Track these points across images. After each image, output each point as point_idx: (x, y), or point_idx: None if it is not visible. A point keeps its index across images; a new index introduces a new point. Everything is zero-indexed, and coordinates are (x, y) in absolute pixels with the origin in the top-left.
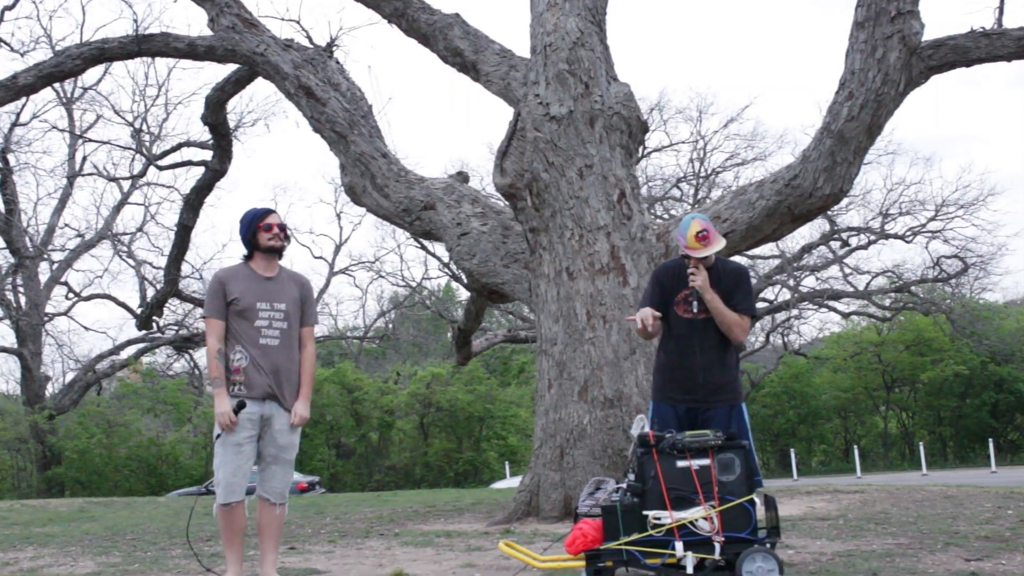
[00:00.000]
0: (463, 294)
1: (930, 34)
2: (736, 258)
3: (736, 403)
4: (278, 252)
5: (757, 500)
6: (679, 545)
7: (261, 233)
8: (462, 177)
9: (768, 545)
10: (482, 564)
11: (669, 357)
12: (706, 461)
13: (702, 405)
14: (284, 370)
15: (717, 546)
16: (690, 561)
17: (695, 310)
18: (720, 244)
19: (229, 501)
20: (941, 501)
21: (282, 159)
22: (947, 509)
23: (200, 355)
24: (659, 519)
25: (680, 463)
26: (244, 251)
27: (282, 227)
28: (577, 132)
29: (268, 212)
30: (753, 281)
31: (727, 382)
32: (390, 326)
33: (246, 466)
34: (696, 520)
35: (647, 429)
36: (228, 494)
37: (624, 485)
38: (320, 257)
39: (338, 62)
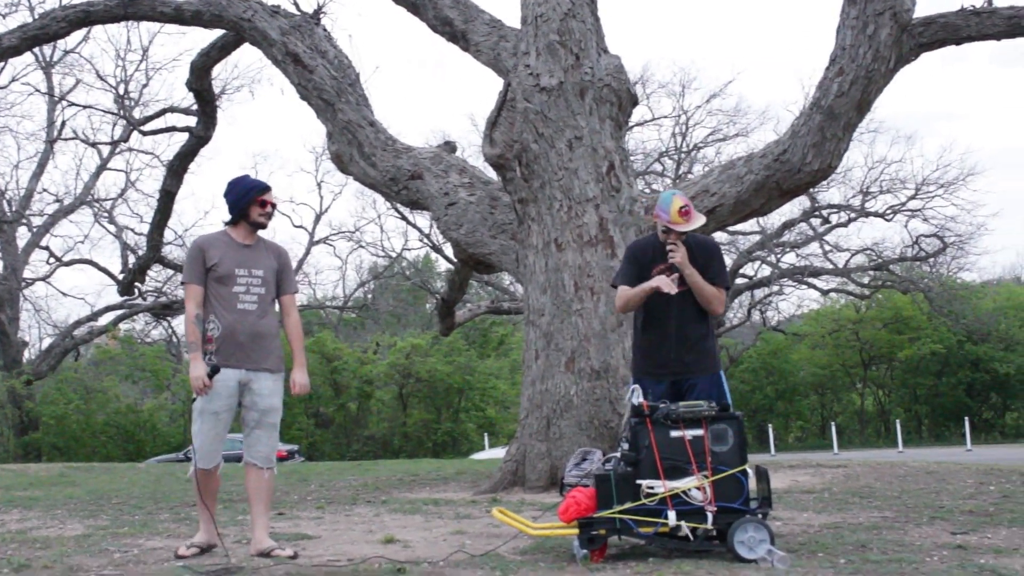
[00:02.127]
0: (443, 265)
1: (921, 11)
2: (718, 233)
3: (715, 371)
4: (262, 228)
5: (749, 471)
6: (672, 514)
7: (255, 207)
8: (449, 147)
9: (760, 515)
10: (472, 531)
11: (648, 333)
12: (699, 431)
13: (682, 377)
14: (262, 335)
15: (709, 516)
16: (684, 529)
17: (675, 285)
18: (701, 220)
19: (208, 466)
20: (923, 476)
21: (263, 127)
22: (930, 484)
23: (178, 323)
24: (652, 488)
25: (674, 433)
26: (228, 216)
27: (274, 206)
28: (567, 103)
29: (267, 189)
30: (734, 256)
31: (705, 353)
32: (369, 296)
33: (223, 433)
34: (689, 490)
35: (642, 399)
36: (207, 460)
37: (614, 455)
38: (300, 226)
39: (325, 29)
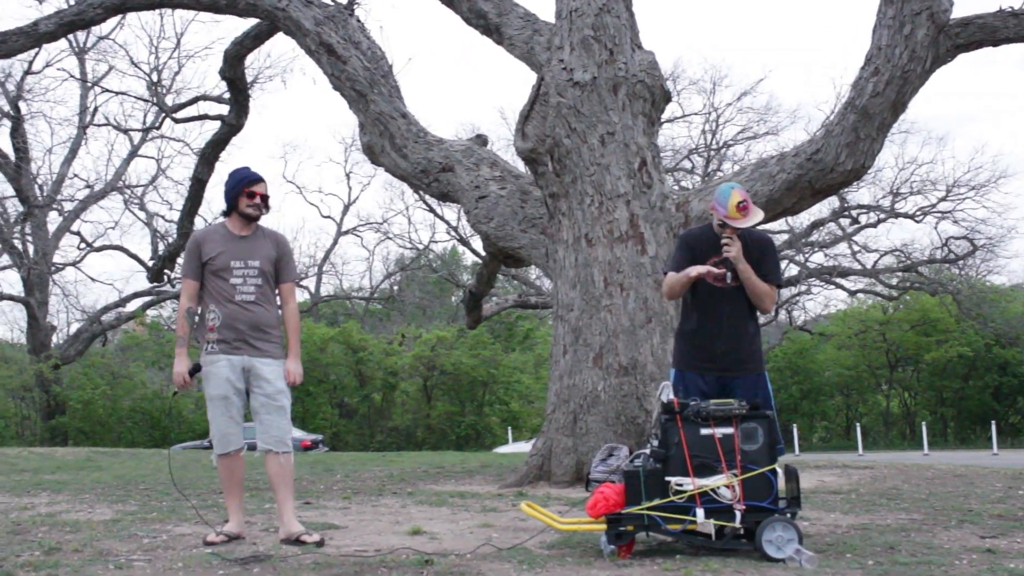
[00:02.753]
0: (469, 258)
1: (958, 12)
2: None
3: (761, 371)
4: (253, 220)
5: (779, 470)
6: (700, 512)
7: (243, 198)
8: (481, 140)
9: (788, 515)
10: (499, 524)
11: (696, 326)
12: (730, 430)
13: (729, 373)
14: (263, 324)
15: (738, 514)
16: (711, 527)
17: (728, 280)
18: (759, 216)
19: (226, 451)
20: (951, 479)
21: (293, 116)
22: (958, 487)
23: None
24: (681, 485)
25: (704, 431)
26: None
27: (264, 198)
28: (600, 99)
29: (257, 180)
30: None
31: (753, 351)
32: (396, 288)
33: (237, 418)
34: (718, 488)
35: (672, 396)
36: (224, 444)
37: (643, 452)
38: (328, 216)
39: (359, 20)
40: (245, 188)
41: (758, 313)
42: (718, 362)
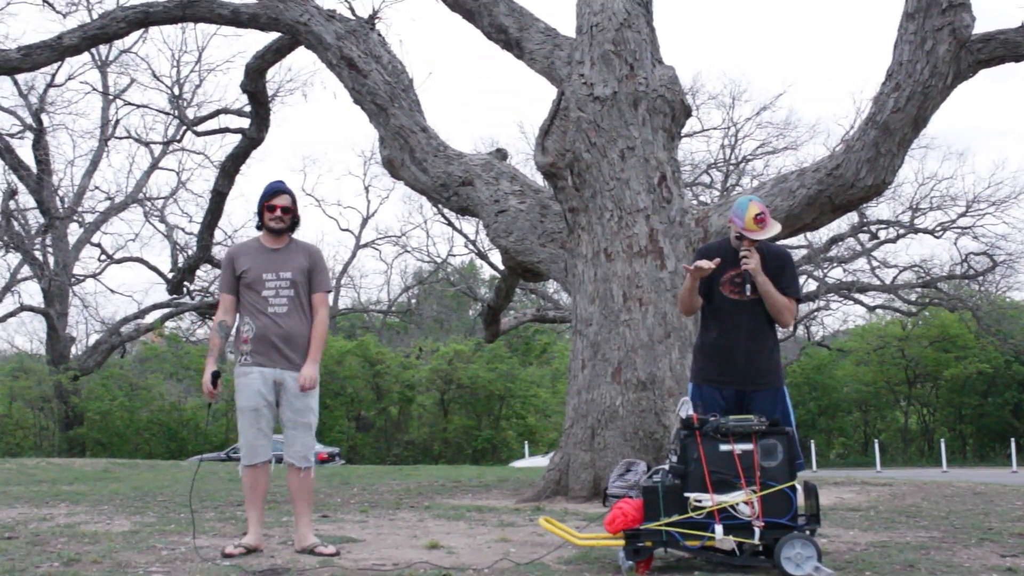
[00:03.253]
0: (487, 271)
1: (980, 28)
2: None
3: (780, 386)
4: (279, 232)
5: (798, 487)
6: (719, 528)
7: (266, 212)
8: (501, 154)
9: (807, 532)
10: (516, 539)
11: (714, 339)
12: (749, 446)
13: (748, 387)
14: (295, 336)
15: (757, 531)
16: (730, 544)
17: (747, 292)
18: (776, 228)
19: (253, 462)
20: (971, 497)
21: (313, 129)
22: (978, 505)
23: None
24: (700, 501)
25: (723, 447)
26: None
27: (286, 209)
28: (620, 113)
29: (276, 193)
30: None
31: (771, 365)
32: (413, 301)
33: (267, 430)
34: (737, 504)
35: (691, 412)
36: (251, 456)
37: (661, 467)
38: (347, 229)
39: (380, 34)
40: (266, 202)
41: (777, 327)
42: (736, 376)
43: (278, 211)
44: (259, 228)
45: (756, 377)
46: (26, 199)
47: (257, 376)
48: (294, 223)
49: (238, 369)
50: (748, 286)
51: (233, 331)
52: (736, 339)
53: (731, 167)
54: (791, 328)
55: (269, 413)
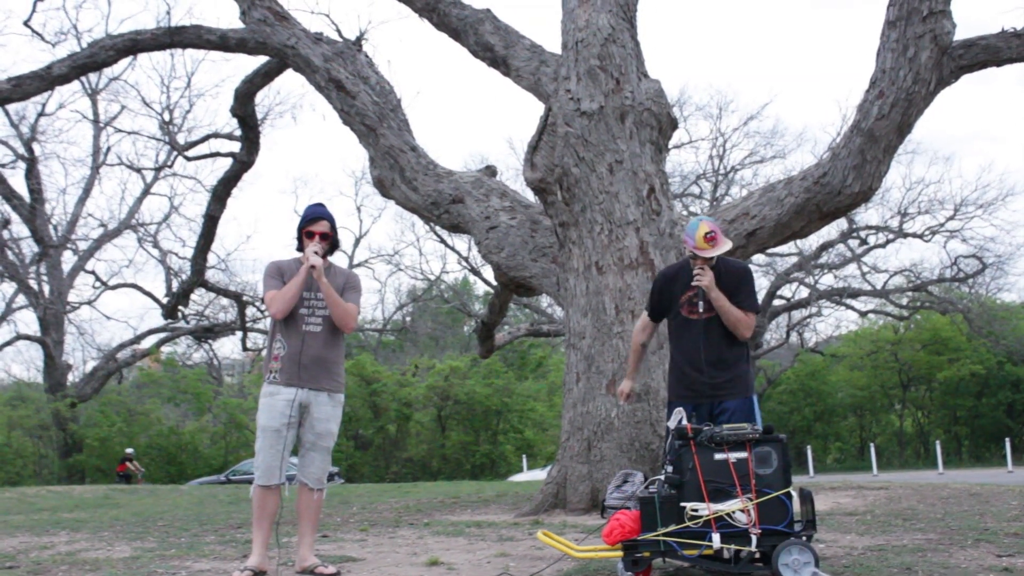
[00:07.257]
0: (481, 287)
1: (961, 34)
2: (756, 255)
3: (748, 395)
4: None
5: (794, 493)
6: (716, 537)
7: (305, 238)
8: (490, 171)
9: (804, 538)
10: (516, 554)
11: (678, 358)
12: (743, 454)
13: (714, 400)
14: (325, 359)
15: (754, 538)
16: (727, 552)
17: (700, 310)
18: (727, 245)
19: (268, 483)
20: (967, 498)
21: (303, 151)
22: (974, 506)
23: (219, 345)
24: (697, 511)
25: (718, 456)
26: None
27: (324, 236)
28: (608, 127)
29: (315, 219)
30: (771, 278)
31: (733, 377)
32: (408, 319)
33: (285, 452)
34: (733, 512)
35: (685, 422)
36: (267, 477)
37: (657, 478)
38: (340, 250)
39: (367, 55)
40: (305, 228)
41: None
42: (703, 390)
43: (316, 238)
44: (299, 251)
45: (720, 390)
46: (20, 228)
47: (284, 397)
48: (333, 247)
49: (265, 388)
50: (701, 303)
51: (265, 350)
52: (696, 356)
53: (720, 177)
54: (749, 339)
55: (290, 435)
